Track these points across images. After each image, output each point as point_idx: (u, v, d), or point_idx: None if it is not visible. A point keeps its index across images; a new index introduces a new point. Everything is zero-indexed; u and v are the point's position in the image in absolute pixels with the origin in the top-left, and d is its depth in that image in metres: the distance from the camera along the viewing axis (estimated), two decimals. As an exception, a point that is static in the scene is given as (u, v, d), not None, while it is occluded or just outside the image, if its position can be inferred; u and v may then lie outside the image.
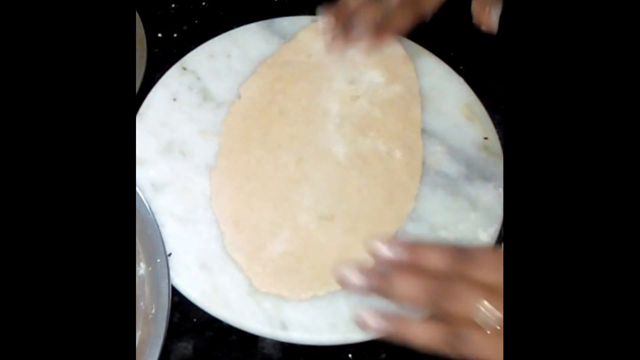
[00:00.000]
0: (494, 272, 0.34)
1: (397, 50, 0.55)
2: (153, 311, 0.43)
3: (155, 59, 0.56)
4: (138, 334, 0.42)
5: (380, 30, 0.53)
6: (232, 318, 0.45)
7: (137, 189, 0.47)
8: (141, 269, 0.45)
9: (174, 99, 0.53)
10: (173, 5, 0.60)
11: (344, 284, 0.37)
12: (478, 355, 0.33)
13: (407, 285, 0.36)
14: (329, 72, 0.54)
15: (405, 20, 0.53)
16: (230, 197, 0.48)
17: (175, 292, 0.45)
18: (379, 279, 0.37)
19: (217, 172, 0.49)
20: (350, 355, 0.45)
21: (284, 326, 0.44)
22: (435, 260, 0.36)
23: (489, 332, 0.33)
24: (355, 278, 0.37)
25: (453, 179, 0.51)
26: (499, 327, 0.33)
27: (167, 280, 0.44)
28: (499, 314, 0.33)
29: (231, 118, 0.52)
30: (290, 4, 0.61)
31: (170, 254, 0.46)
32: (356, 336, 0.44)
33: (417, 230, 0.48)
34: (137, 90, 0.52)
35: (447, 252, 0.36)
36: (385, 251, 0.37)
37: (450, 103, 0.54)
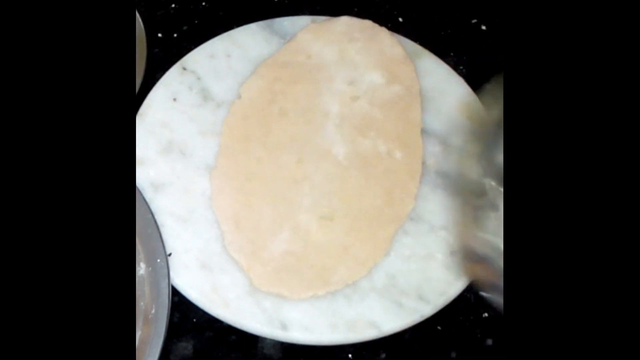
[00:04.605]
0: None
1: (397, 50, 0.55)
2: (153, 311, 0.43)
3: (155, 59, 0.56)
4: (138, 334, 0.42)
5: None
6: (232, 318, 0.45)
7: (137, 189, 0.48)
8: (141, 269, 0.45)
9: (174, 99, 0.53)
10: (173, 5, 0.60)
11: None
12: None
13: None
14: (329, 72, 0.54)
15: None
16: (230, 197, 0.48)
17: (175, 292, 0.45)
18: None
19: (217, 172, 0.49)
20: (350, 355, 0.45)
21: (284, 326, 0.44)
22: None
23: None
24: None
25: (453, 179, 0.51)
26: None
27: (167, 280, 0.44)
28: None
29: (231, 118, 0.52)
30: (290, 4, 0.61)
31: (170, 254, 0.46)
32: (356, 336, 0.44)
33: (417, 230, 0.48)
34: (137, 90, 0.52)
35: None
36: None
37: (450, 103, 0.54)
